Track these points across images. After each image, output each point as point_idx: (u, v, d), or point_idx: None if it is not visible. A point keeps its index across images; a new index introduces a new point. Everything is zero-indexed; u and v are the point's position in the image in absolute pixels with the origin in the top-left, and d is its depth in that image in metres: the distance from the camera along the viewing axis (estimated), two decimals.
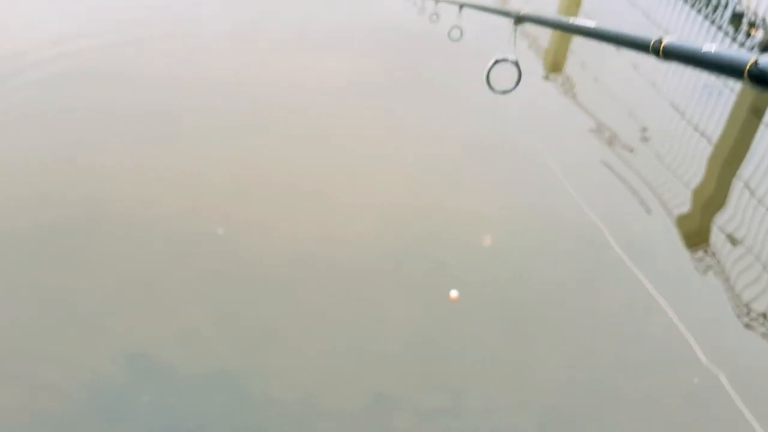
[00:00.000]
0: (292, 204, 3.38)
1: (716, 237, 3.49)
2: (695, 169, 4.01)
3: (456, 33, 3.44)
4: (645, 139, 4.17)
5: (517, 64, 2.13)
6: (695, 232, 3.52)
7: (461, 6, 3.33)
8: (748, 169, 4.00)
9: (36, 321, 2.68)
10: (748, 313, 3.03)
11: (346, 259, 3.08)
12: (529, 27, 2.18)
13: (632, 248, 3.33)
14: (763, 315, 3.01)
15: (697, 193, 3.78)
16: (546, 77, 4.91)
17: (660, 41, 1.16)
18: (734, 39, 5.32)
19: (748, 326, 2.97)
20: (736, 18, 5.41)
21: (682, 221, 3.54)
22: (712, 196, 3.79)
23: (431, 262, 3.10)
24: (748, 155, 4.12)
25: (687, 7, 5.77)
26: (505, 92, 2.22)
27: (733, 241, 3.46)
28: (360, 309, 2.85)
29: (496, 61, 2.13)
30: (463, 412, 2.48)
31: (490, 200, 3.54)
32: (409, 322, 2.80)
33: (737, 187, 3.87)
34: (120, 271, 2.91)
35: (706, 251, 3.37)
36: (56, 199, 3.28)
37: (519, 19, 2.08)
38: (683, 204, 3.67)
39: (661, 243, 3.40)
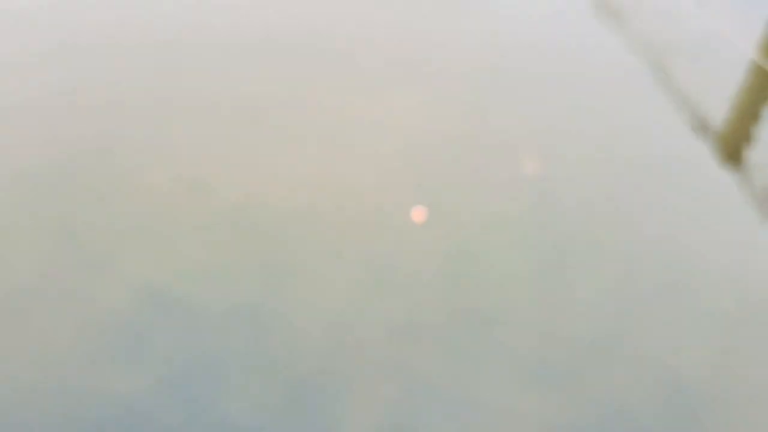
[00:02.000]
0: (309, 130, 3.19)
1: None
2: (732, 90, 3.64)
3: None
4: (683, 55, 3.81)
5: None
6: (733, 147, 3.19)
7: None
8: None
9: (48, 257, 2.56)
10: None
11: (369, 185, 2.90)
12: None
13: (668, 164, 3.07)
14: None
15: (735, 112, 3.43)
16: None
17: None
18: None
19: None
20: None
21: (720, 136, 3.21)
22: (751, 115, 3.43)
23: (459, 191, 2.91)
24: None
25: None
26: None
27: None
28: (386, 239, 2.69)
29: None
30: (493, 345, 2.31)
31: (522, 122, 3.29)
32: (437, 253, 2.64)
33: None
34: (134, 204, 2.79)
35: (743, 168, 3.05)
36: (66, 132, 3.13)
37: None
38: (720, 121, 3.33)
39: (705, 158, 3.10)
